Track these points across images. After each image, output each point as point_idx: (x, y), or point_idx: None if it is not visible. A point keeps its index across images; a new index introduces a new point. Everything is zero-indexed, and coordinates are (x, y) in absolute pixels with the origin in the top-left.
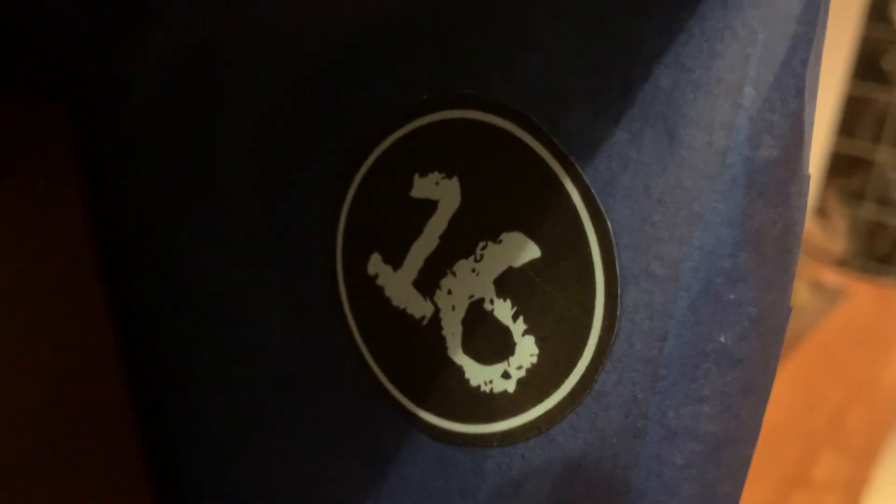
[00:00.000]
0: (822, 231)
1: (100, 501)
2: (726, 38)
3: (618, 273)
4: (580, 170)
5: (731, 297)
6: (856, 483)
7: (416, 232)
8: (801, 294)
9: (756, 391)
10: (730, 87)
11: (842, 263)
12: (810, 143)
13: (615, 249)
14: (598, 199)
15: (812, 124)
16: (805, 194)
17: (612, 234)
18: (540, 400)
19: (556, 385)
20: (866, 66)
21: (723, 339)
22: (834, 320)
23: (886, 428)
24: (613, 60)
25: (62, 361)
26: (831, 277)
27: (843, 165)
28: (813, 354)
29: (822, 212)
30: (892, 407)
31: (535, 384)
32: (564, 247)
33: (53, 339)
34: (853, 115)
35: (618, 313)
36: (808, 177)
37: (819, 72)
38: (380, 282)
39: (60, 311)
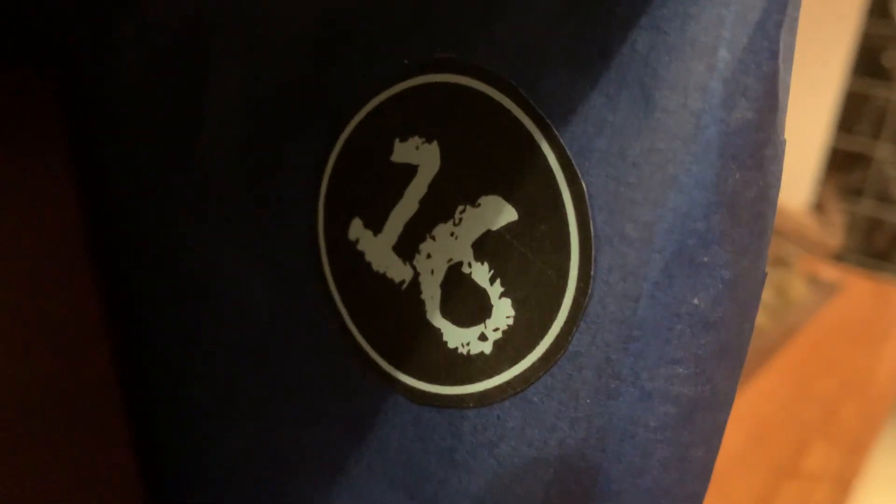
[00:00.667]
0: (819, 226)
1: (84, 466)
2: (701, 1)
3: (592, 235)
4: (557, 133)
5: (705, 259)
6: (847, 475)
7: (397, 197)
8: (797, 287)
9: (730, 355)
10: (704, 50)
11: (838, 258)
12: (786, 108)
13: (590, 212)
14: (573, 162)
15: (787, 88)
16: (780, 159)
17: (587, 196)
18: (515, 361)
19: (532, 346)
20: (866, 63)
21: (696, 302)
22: (829, 314)
23: (879, 421)
24: (591, 24)
25: (50, 334)
26: (827, 272)
27: (841, 161)
28: (807, 347)
29: (819, 207)
30: (884, 400)
31: (511, 346)
32: (541, 210)
33: (41, 309)
34: (853, 112)
35: (592, 275)
36: (784, 141)
37: (795, 35)
38: (360, 247)
39: (49, 283)
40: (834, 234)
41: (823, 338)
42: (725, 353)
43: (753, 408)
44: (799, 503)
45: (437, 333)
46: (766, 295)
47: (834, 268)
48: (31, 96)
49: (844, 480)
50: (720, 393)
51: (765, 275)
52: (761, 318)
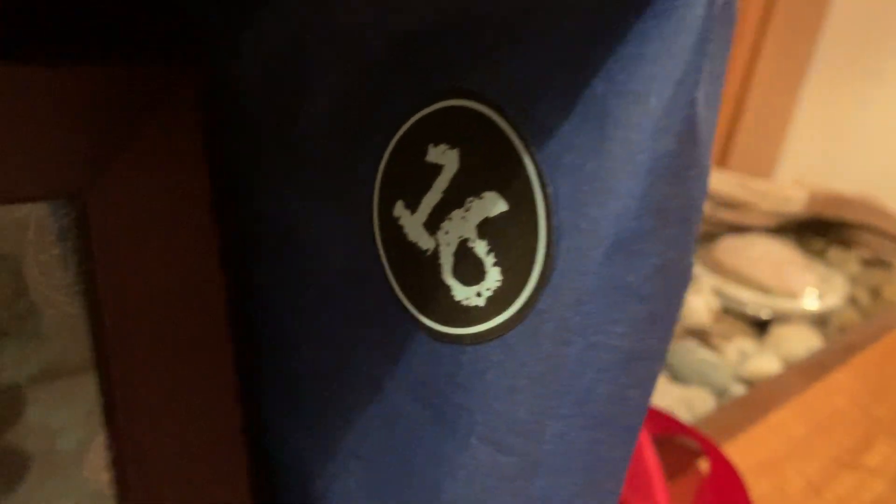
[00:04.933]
0: None
1: (190, 365)
2: (640, 62)
3: (555, 226)
4: (534, 149)
5: (637, 248)
6: None
7: (428, 187)
8: (893, 288)
9: (660, 322)
10: (641, 97)
11: None
12: (710, 139)
13: (555, 209)
14: (545, 173)
15: (711, 124)
16: (703, 177)
17: (553, 198)
18: (500, 312)
19: (511, 302)
20: None
21: (630, 279)
22: None
23: None
24: (569, 71)
25: (178, 274)
26: None
27: None
28: (893, 347)
29: None
30: None
31: (498, 301)
32: (523, 205)
33: (174, 261)
34: None
35: (554, 255)
36: (708, 165)
37: (720, 81)
38: (401, 222)
39: (183, 255)
40: None
41: None
42: (655, 319)
43: (823, 399)
44: (851, 494)
45: (448, 289)
46: (860, 293)
47: None
48: (175, 92)
49: None
50: (652, 349)
51: (691, 264)
52: (851, 315)
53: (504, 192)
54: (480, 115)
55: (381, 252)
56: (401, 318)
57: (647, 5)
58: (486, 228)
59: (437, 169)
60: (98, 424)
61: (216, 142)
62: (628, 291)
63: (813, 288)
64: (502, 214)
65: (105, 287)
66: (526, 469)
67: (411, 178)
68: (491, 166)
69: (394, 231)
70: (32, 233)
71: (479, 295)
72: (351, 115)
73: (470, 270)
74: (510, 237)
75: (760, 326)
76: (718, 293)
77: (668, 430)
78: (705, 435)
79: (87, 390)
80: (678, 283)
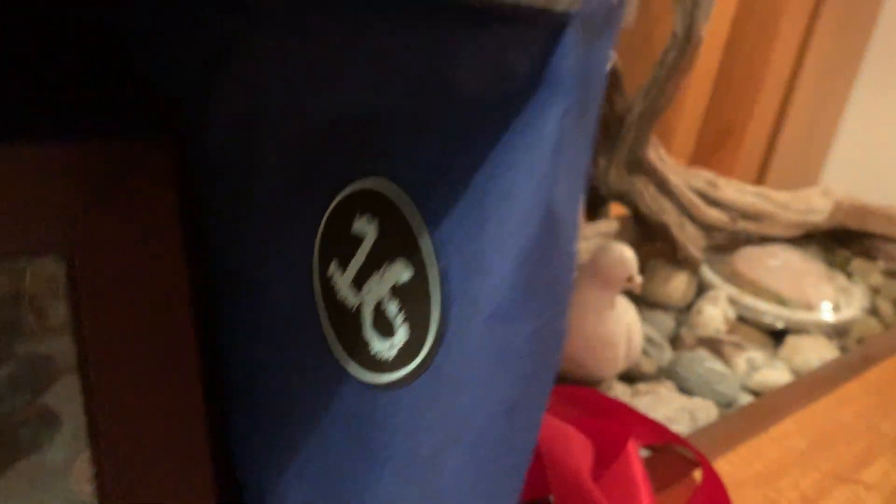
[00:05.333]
0: None
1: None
2: (508, 166)
3: (446, 296)
4: (432, 229)
5: (511, 317)
6: None
7: (354, 252)
8: None
9: (538, 377)
10: (509, 194)
11: None
12: (573, 227)
13: (446, 281)
14: (439, 250)
15: (574, 215)
16: (567, 259)
17: (444, 271)
18: (406, 365)
19: (415, 357)
20: None
21: (509, 342)
22: None
23: None
24: (458, 166)
25: (152, 316)
26: None
27: None
28: None
29: None
30: None
31: (405, 356)
32: (422, 275)
33: (150, 303)
34: None
35: (447, 319)
36: (572, 251)
37: (580, 178)
38: (334, 280)
39: (158, 288)
40: None
41: None
42: (534, 375)
43: (830, 412)
44: None
45: (367, 342)
46: (883, 305)
47: None
48: (150, 159)
49: None
50: (533, 400)
51: (563, 328)
52: (873, 326)
53: (409, 263)
54: (393, 195)
55: (319, 304)
56: (333, 364)
57: (510, 121)
58: (397, 292)
59: (361, 237)
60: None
61: (189, 198)
62: (509, 352)
63: (831, 300)
64: (408, 281)
65: (89, 327)
66: (428, 499)
67: (342, 243)
68: (400, 239)
69: (328, 287)
70: (28, 282)
71: (390, 349)
72: (296, 184)
73: (384, 327)
74: (414, 301)
75: (777, 337)
76: (736, 303)
77: (660, 441)
78: (696, 447)
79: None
80: (552, 344)
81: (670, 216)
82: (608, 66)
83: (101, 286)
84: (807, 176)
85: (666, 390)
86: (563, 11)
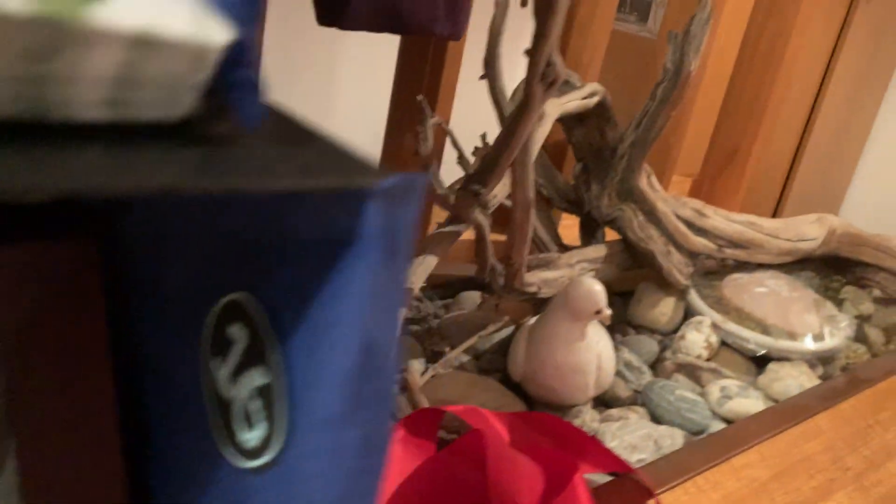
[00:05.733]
0: None
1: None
2: (328, 302)
3: (292, 401)
4: (282, 344)
5: (342, 423)
6: None
7: (230, 353)
8: None
9: (370, 471)
10: (329, 326)
11: None
12: (389, 352)
13: (292, 388)
14: (286, 362)
15: (390, 342)
16: (387, 377)
17: (290, 381)
18: (264, 454)
19: (272, 448)
20: None
21: (342, 443)
22: None
23: None
24: (299, 295)
25: (79, 393)
26: None
27: None
28: (890, 394)
29: None
30: None
31: (265, 446)
32: (274, 381)
33: (76, 381)
34: None
35: (293, 420)
36: (391, 370)
37: (394, 312)
38: (215, 374)
39: (82, 367)
40: None
41: None
42: (366, 470)
43: (794, 443)
44: None
45: (235, 433)
46: (874, 334)
47: None
48: (75, 261)
49: None
50: (366, 487)
51: (388, 432)
52: (861, 352)
53: (266, 370)
54: (255, 310)
55: (205, 395)
56: (213, 447)
57: (336, 263)
58: (259, 392)
59: (235, 341)
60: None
61: (111, 292)
62: (341, 452)
63: (815, 329)
64: (266, 385)
65: (25, 403)
66: None
67: (222, 344)
68: (260, 349)
69: (211, 381)
70: None
71: (254, 440)
72: (188, 290)
73: (249, 420)
74: (270, 402)
75: (760, 363)
76: (720, 329)
77: (614, 470)
78: (652, 476)
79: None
80: (379, 445)
81: (657, 244)
82: (413, 223)
83: (34, 372)
84: (827, 202)
85: (637, 416)
86: (362, 189)
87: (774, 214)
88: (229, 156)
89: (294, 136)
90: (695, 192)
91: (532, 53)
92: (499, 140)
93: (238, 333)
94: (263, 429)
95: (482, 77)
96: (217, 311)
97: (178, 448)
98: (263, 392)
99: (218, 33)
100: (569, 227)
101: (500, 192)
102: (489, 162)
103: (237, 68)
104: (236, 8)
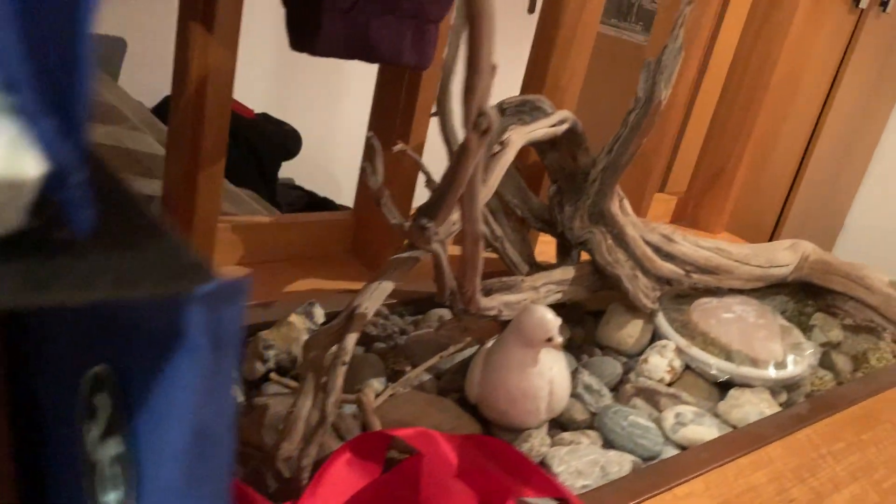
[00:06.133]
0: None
1: None
2: (172, 389)
3: (139, 471)
4: (133, 418)
5: (181, 495)
6: None
7: (97, 419)
8: (880, 357)
9: None
10: (172, 409)
11: None
12: (223, 437)
13: (138, 461)
14: (135, 436)
15: (223, 431)
16: (220, 459)
17: (137, 454)
18: None
19: None
20: None
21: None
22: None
23: None
24: (149, 379)
25: None
26: None
27: None
28: (849, 421)
29: None
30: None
31: None
32: (127, 451)
33: None
34: None
35: (141, 488)
36: (224, 453)
37: (224, 404)
38: (86, 437)
39: None
40: None
41: (874, 412)
42: None
43: (741, 473)
44: None
45: (100, 493)
46: (842, 361)
47: None
48: None
49: None
50: None
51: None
52: (828, 380)
53: (121, 440)
54: (114, 384)
55: (81, 456)
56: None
57: (171, 356)
58: (119, 457)
59: (100, 408)
60: None
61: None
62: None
63: (779, 356)
64: (120, 454)
65: None
66: None
67: (92, 410)
68: (117, 419)
69: (85, 443)
70: None
71: (114, 499)
72: (66, 358)
73: (109, 483)
74: (124, 470)
75: (724, 388)
76: (684, 353)
77: (553, 495)
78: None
79: None
80: None
81: (623, 268)
82: (239, 321)
83: None
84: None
85: (588, 441)
86: (181, 295)
87: (772, 236)
88: (52, 268)
89: (128, 238)
90: (679, 212)
91: (463, 105)
92: (445, 178)
93: (103, 402)
94: (119, 493)
95: (432, 115)
96: (87, 378)
97: (65, 500)
98: (118, 459)
99: (31, 167)
100: (549, 242)
101: (458, 219)
102: (437, 197)
103: (60, 191)
104: (56, 142)
